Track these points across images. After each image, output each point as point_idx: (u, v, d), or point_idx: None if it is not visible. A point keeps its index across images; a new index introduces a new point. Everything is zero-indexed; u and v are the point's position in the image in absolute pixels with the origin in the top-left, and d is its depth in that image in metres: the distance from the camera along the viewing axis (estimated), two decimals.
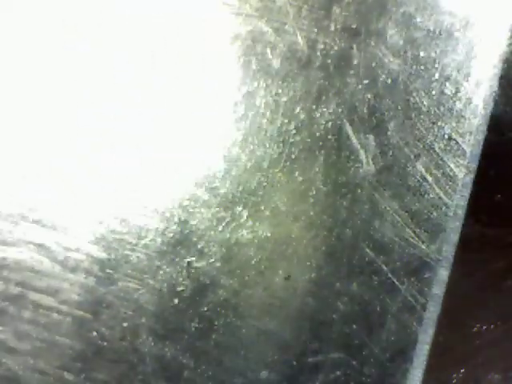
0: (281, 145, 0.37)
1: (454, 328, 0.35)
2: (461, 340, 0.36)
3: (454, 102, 0.36)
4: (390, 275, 0.36)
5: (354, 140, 0.36)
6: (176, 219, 0.37)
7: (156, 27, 0.37)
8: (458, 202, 0.36)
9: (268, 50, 0.36)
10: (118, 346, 0.37)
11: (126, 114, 0.37)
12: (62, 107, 0.37)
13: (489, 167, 0.37)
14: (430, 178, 0.36)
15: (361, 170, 0.36)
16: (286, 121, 0.37)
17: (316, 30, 0.36)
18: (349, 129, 0.36)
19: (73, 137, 0.37)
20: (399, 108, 0.36)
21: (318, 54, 0.36)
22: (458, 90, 0.36)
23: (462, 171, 0.36)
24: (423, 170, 0.36)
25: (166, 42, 0.37)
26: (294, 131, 0.37)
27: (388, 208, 0.36)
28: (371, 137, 0.36)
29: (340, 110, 0.36)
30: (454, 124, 0.36)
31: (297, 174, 0.37)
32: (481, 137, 0.36)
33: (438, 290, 0.36)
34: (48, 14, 0.37)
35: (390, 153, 0.36)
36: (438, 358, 0.36)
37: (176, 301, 0.37)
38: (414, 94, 0.36)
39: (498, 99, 0.36)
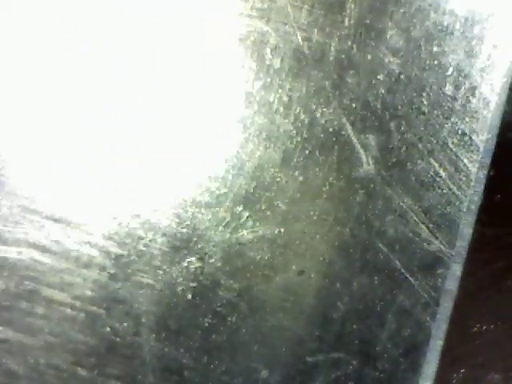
0: (284, 143, 0.37)
1: (454, 328, 0.35)
2: (461, 340, 0.36)
3: (468, 97, 0.36)
4: (403, 271, 0.36)
5: (361, 137, 0.36)
6: (189, 215, 0.37)
7: (156, 27, 0.37)
8: (471, 197, 0.36)
9: (268, 50, 0.36)
10: (131, 341, 0.37)
11: (134, 113, 0.37)
12: (63, 104, 0.37)
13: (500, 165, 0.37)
14: (443, 174, 0.36)
15: (372, 167, 0.36)
16: (286, 121, 0.37)
17: (316, 29, 0.36)
18: (357, 125, 0.36)
19: (81, 133, 0.37)
20: (412, 104, 0.36)
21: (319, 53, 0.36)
22: (471, 86, 0.36)
23: (476, 166, 0.36)
24: (437, 166, 0.36)
25: (167, 42, 0.37)
26: (294, 131, 0.37)
27: (401, 203, 0.36)
28: (371, 136, 0.36)
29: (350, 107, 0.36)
30: (467, 120, 0.36)
31: (309, 171, 0.37)
32: (494, 132, 0.36)
33: (451, 285, 0.36)
34: (48, 14, 0.37)
35: (404, 148, 0.36)
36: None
37: (189, 296, 0.37)
38: (428, 90, 0.36)
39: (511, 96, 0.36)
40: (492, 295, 0.36)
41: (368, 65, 0.36)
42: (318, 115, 0.36)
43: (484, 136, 0.36)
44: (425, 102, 0.36)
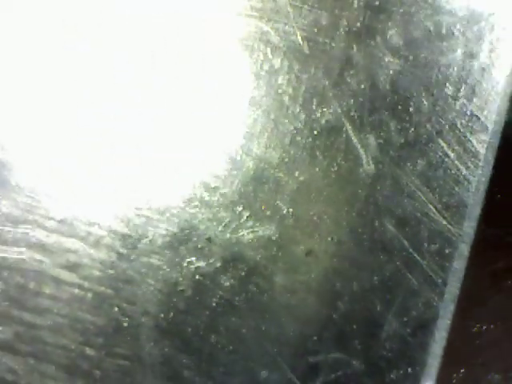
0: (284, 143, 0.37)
1: (454, 328, 0.36)
2: (461, 340, 0.36)
3: (476, 78, 0.36)
4: (411, 250, 0.36)
5: (371, 119, 0.36)
6: (198, 196, 0.37)
7: (156, 27, 0.36)
8: (479, 177, 0.36)
9: (268, 50, 0.36)
10: (139, 322, 0.37)
11: (136, 111, 0.37)
12: (61, 99, 0.37)
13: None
14: (451, 154, 0.36)
15: (380, 149, 0.36)
16: (286, 120, 0.37)
17: (316, 29, 0.36)
18: (363, 112, 0.36)
19: (82, 124, 0.37)
20: (421, 84, 0.36)
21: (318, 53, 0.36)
22: (480, 67, 0.36)
23: (484, 147, 0.36)
24: (445, 146, 0.36)
25: (166, 42, 0.37)
26: (294, 131, 0.37)
27: (410, 184, 0.36)
28: (378, 119, 0.36)
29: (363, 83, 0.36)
30: (476, 100, 0.36)
31: (317, 151, 0.37)
32: (503, 113, 0.36)
33: (459, 265, 0.36)
34: (48, 14, 0.37)
35: (412, 129, 0.36)
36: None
37: (197, 277, 0.37)
38: (436, 71, 0.36)
39: None
40: (492, 295, 0.36)
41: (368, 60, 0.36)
42: (318, 115, 0.36)
43: (493, 117, 0.36)
44: (433, 83, 0.36)
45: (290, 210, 0.37)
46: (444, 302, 0.36)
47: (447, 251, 0.36)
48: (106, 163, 0.37)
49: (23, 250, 0.36)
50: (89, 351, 0.37)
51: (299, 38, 0.36)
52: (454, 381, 0.36)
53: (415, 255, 0.36)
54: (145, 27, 0.37)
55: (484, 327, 0.36)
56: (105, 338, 0.37)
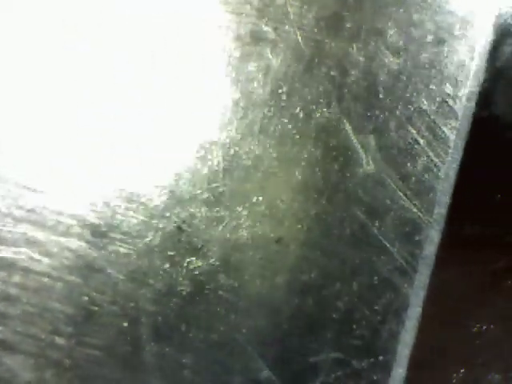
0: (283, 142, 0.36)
1: (454, 328, 0.36)
2: (461, 340, 0.36)
3: (446, 64, 0.36)
4: (381, 237, 0.36)
5: (343, 105, 0.36)
6: (165, 184, 0.37)
7: (156, 27, 0.36)
8: (449, 164, 0.36)
9: (268, 50, 0.36)
10: (108, 310, 0.37)
11: (124, 110, 0.36)
12: (54, 100, 0.37)
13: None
14: (421, 141, 0.36)
15: (350, 134, 0.36)
16: (286, 120, 0.36)
17: (316, 29, 0.36)
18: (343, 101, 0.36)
19: (69, 116, 0.37)
20: (390, 70, 0.36)
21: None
22: (450, 53, 0.36)
23: (454, 133, 0.36)
24: (415, 133, 0.36)
25: (166, 42, 0.36)
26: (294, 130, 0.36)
27: (379, 171, 0.36)
28: (353, 105, 0.36)
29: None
30: (446, 87, 0.36)
31: (288, 138, 0.37)
32: (473, 99, 0.36)
33: (429, 252, 0.36)
34: (48, 14, 0.37)
35: (382, 116, 0.36)
36: (437, 358, 0.36)
37: (167, 265, 0.37)
38: (405, 57, 0.36)
39: (490, 61, 0.36)
40: (492, 295, 0.36)
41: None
42: (318, 115, 0.36)
43: (463, 103, 0.36)
44: (403, 68, 0.36)
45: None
46: (414, 290, 0.36)
47: (417, 238, 0.36)
48: (79, 155, 0.37)
49: (13, 214, 0.36)
50: (58, 340, 0.37)
51: (299, 37, 0.36)
52: (453, 381, 0.36)
53: (385, 242, 0.36)
54: (144, 27, 0.37)
55: (484, 327, 0.35)
56: (75, 327, 0.37)
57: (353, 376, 0.36)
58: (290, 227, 0.36)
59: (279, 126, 0.36)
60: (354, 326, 0.36)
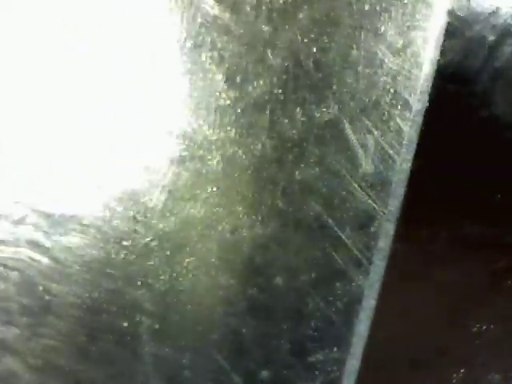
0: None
1: (454, 328, 0.36)
2: (461, 340, 0.36)
3: (400, 55, 0.36)
4: (336, 229, 0.36)
5: (293, 96, 0.36)
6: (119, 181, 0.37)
7: (154, 26, 0.37)
8: (404, 155, 0.36)
9: (268, 50, 0.36)
10: (65, 301, 0.37)
11: (111, 111, 0.37)
12: (48, 100, 0.37)
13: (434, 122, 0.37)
14: (376, 132, 0.36)
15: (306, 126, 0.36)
16: (286, 120, 0.37)
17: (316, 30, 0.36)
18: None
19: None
20: (345, 61, 0.36)
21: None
22: (404, 44, 0.36)
23: (408, 125, 0.36)
24: (369, 125, 0.36)
25: (163, 41, 0.37)
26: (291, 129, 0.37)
27: (334, 162, 0.36)
28: (302, 95, 0.36)
29: None
30: (399, 78, 0.36)
31: (246, 131, 0.37)
32: (426, 91, 0.36)
33: (384, 243, 0.36)
34: (48, 14, 0.37)
35: (336, 107, 0.36)
36: (437, 358, 0.36)
37: (123, 255, 0.37)
38: (361, 47, 0.36)
39: (443, 53, 0.36)
40: (492, 295, 0.36)
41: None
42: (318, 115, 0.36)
43: (417, 95, 0.36)
44: (357, 60, 0.36)
45: (214, 188, 0.37)
46: (369, 281, 0.36)
47: (372, 230, 0.36)
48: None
49: None
50: (15, 330, 0.37)
51: (299, 37, 0.36)
52: (453, 381, 0.35)
53: (340, 234, 0.36)
54: (142, 27, 0.37)
55: (484, 327, 0.35)
56: (30, 317, 0.37)
57: (307, 368, 0.36)
58: (245, 218, 0.37)
59: (279, 128, 0.36)
60: (309, 318, 0.36)
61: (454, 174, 0.36)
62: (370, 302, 0.36)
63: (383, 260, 0.36)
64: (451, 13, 0.36)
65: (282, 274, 0.36)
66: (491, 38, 0.36)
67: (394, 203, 0.36)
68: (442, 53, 0.36)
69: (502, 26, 0.36)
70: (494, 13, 0.36)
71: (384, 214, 0.36)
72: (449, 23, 0.36)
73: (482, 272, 0.36)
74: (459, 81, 0.35)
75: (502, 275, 0.36)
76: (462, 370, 0.35)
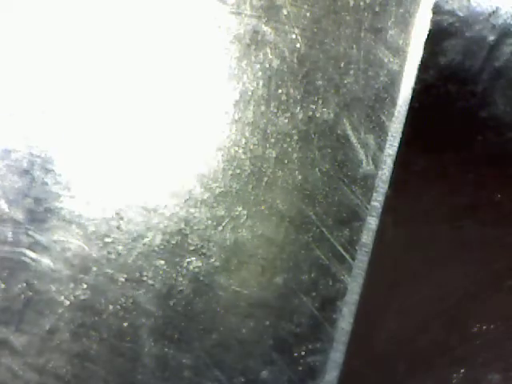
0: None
1: (454, 328, 0.36)
2: (461, 340, 0.36)
3: (383, 53, 0.36)
4: (319, 224, 0.36)
5: (277, 93, 0.36)
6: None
7: (157, 26, 0.36)
8: (387, 151, 0.36)
9: (268, 50, 0.36)
10: (48, 297, 0.37)
11: (135, 108, 0.37)
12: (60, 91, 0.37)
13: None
14: (359, 128, 0.36)
15: (288, 122, 0.36)
16: (286, 121, 0.36)
17: (316, 30, 0.36)
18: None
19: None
20: (329, 58, 0.36)
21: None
22: (387, 41, 0.36)
23: (392, 120, 0.36)
24: (354, 119, 0.36)
25: (167, 41, 0.36)
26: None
27: (318, 158, 0.36)
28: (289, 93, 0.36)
29: None
30: (383, 73, 0.36)
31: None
32: (410, 87, 0.36)
33: (367, 239, 0.36)
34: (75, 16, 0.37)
35: (320, 102, 0.36)
36: (437, 358, 0.36)
37: (108, 252, 0.37)
38: (344, 44, 0.36)
39: (426, 48, 0.36)
40: (492, 295, 0.36)
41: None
42: (318, 114, 0.36)
43: (400, 91, 0.36)
44: (342, 57, 0.36)
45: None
46: (352, 277, 0.36)
47: (355, 225, 0.36)
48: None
49: None
50: None
51: (299, 38, 0.36)
52: (453, 381, 0.36)
53: (323, 229, 0.36)
54: (146, 28, 0.37)
55: (484, 327, 0.35)
56: (12, 314, 0.37)
57: (291, 362, 0.36)
58: (227, 212, 0.37)
59: (279, 127, 0.36)
60: (292, 313, 0.36)
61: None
62: (353, 298, 0.36)
63: (366, 255, 0.36)
64: (451, 13, 0.36)
65: (265, 269, 0.36)
66: (491, 37, 0.36)
67: (377, 198, 0.36)
68: (425, 52, 0.36)
69: (501, 26, 0.36)
70: (494, 13, 0.36)
71: (367, 209, 0.36)
72: (449, 23, 0.36)
73: (482, 272, 0.36)
74: (459, 81, 0.36)
75: (502, 275, 0.36)
76: (462, 370, 0.36)
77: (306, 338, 0.36)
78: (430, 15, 0.36)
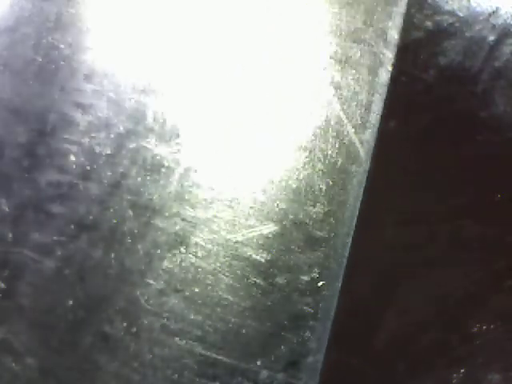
0: None
1: (454, 328, 0.36)
2: (461, 340, 0.36)
3: (362, 55, 0.37)
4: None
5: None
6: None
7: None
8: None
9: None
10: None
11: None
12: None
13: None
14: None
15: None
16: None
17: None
18: None
19: None
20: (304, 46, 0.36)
21: None
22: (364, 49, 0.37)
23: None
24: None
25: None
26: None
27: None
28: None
29: None
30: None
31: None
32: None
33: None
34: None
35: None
36: (437, 358, 0.36)
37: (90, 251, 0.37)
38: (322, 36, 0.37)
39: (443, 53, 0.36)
40: (492, 295, 0.36)
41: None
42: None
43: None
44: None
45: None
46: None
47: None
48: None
49: None
50: None
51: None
52: (453, 381, 0.36)
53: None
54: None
55: (484, 327, 0.36)
56: None
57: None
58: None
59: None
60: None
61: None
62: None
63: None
64: (451, 13, 0.36)
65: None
66: (491, 37, 0.36)
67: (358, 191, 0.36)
68: (433, 53, 0.36)
69: (501, 26, 0.36)
70: (494, 13, 0.36)
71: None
72: (449, 23, 0.36)
73: (482, 272, 0.36)
74: (459, 81, 0.36)
75: (502, 275, 0.36)
76: (462, 370, 0.36)
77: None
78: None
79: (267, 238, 0.36)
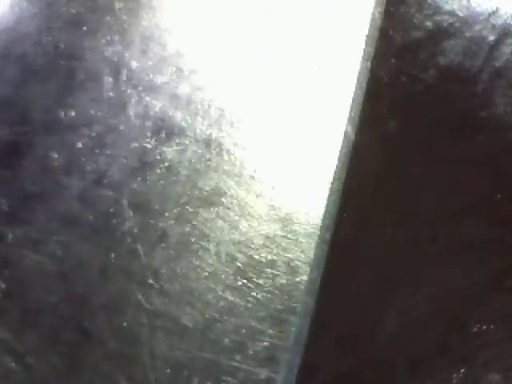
0: None
1: (454, 328, 0.36)
2: (461, 340, 0.36)
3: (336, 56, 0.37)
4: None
5: None
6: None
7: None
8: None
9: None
10: None
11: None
12: None
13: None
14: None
15: None
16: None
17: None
18: None
19: None
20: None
21: None
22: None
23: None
24: None
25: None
26: None
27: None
28: None
29: None
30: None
31: None
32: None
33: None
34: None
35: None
36: (437, 358, 0.36)
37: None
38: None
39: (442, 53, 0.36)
40: (492, 295, 0.36)
41: None
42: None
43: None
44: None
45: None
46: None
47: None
48: None
49: None
50: None
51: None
52: (453, 381, 0.36)
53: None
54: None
55: (484, 327, 0.35)
56: None
57: None
58: None
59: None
60: None
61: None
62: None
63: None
64: (451, 13, 0.36)
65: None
66: (491, 38, 0.36)
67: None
68: (433, 53, 0.36)
69: (501, 26, 0.36)
70: (494, 13, 0.36)
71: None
72: (449, 23, 0.36)
73: (482, 272, 0.36)
74: (459, 81, 0.36)
75: (502, 275, 0.36)
76: (462, 370, 0.36)
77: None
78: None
79: (267, 237, 0.36)
